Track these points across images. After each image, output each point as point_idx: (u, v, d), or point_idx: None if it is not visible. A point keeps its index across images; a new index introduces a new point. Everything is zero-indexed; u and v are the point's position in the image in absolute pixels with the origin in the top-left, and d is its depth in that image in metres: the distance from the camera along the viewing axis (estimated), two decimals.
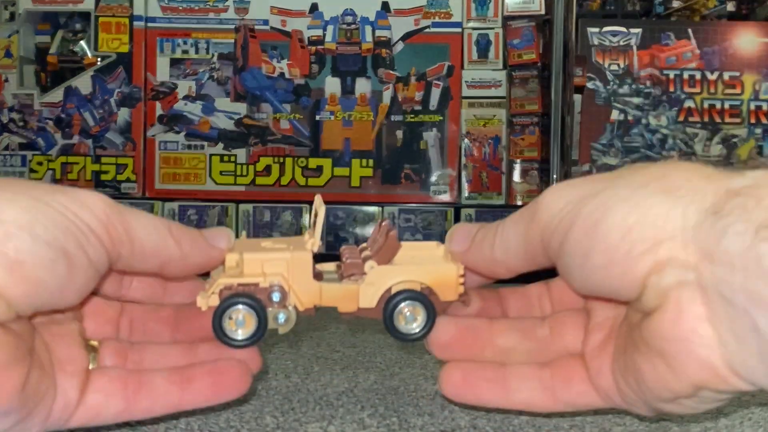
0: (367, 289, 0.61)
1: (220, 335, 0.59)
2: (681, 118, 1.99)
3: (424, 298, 0.62)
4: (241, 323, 0.59)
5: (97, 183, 2.04)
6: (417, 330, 0.62)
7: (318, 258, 0.63)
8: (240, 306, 0.59)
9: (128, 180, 2.05)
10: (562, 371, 0.55)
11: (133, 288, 0.62)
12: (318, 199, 0.63)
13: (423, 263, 0.64)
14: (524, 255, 0.52)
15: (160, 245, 0.53)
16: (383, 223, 0.66)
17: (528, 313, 0.61)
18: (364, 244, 0.69)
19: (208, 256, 0.57)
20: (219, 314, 0.59)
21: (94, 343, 0.56)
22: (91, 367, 0.54)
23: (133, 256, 0.51)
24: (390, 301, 0.62)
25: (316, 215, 0.63)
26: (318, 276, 0.63)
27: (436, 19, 2.06)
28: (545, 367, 0.55)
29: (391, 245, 0.63)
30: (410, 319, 0.62)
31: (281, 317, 0.60)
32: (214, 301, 0.59)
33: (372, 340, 1.01)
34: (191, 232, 0.55)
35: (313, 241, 0.62)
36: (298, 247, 0.62)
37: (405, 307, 0.62)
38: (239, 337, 0.60)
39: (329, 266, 0.67)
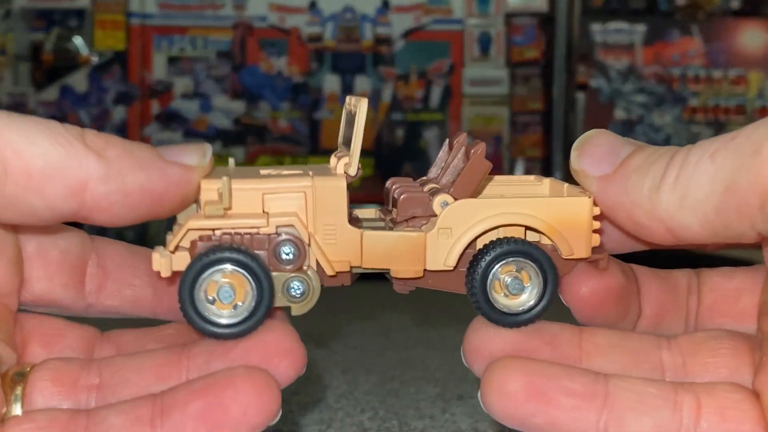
0: (439, 238, 0.41)
1: (194, 318, 0.39)
2: (685, 117, 1.98)
3: (538, 252, 0.42)
4: (227, 296, 0.40)
5: None
6: (527, 306, 0.42)
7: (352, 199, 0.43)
8: (226, 267, 0.39)
9: None
10: (715, 402, 0.37)
11: (106, 292, 0.47)
12: (355, 98, 0.44)
13: (530, 197, 0.44)
14: (715, 215, 0.34)
15: (58, 158, 0.36)
16: (459, 139, 0.45)
17: (674, 311, 0.44)
18: (424, 178, 0.48)
19: (163, 178, 0.39)
20: (190, 282, 0.39)
21: (25, 369, 0.41)
22: (10, 411, 0.40)
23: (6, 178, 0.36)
24: (480, 259, 0.42)
25: (351, 120, 0.44)
26: (355, 222, 0.43)
27: (437, 16, 2.05)
28: (680, 391, 0.38)
29: (477, 167, 0.43)
30: (515, 288, 0.42)
31: (297, 287, 0.41)
32: (182, 260, 0.40)
33: (372, 341, 1.00)
34: (128, 144, 0.39)
35: (347, 162, 0.42)
36: (321, 173, 0.42)
37: (506, 268, 0.42)
38: (224, 320, 0.40)
39: (368, 212, 0.47)
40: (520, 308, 0.42)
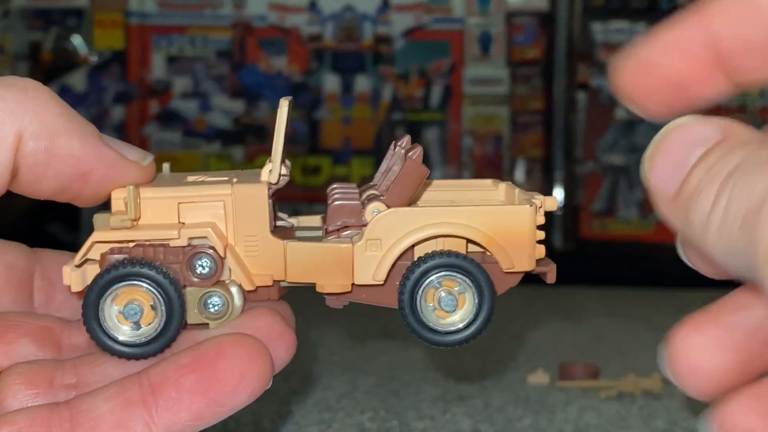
0: (368, 251, 0.39)
1: (97, 334, 0.38)
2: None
3: (471, 265, 0.39)
4: (134, 314, 0.38)
5: None
6: (459, 325, 0.39)
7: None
8: (132, 283, 0.38)
9: None
10: None
11: (56, 304, 0.46)
12: (281, 102, 0.43)
13: (469, 204, 0.41)
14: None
15: None
16: (402, 141, 0.42)
17: None
18: (370, 183, 0.45)
19: (96, 154, 0.38)
20: (94, 297, 0.38)
21: None
22: None
23: None
24: (411, 273, 0.39)
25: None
26: (282, 232, 0.41)
27: (437, 15, 2.04)
28: None
29: (412, 173, 0.40)
30: (448, 304, 0.39)
31: (215, 303, 0.39)
32: (93, 274, 0.39)
33: (372, 342, 1.00)
34: (72, 112, 0.39)
35: (270, 167, 0.40)
36: (245, 179, 0.40)
37: (437, 283, 0.39)
38: (129, 338, 0.38)
39: (311, 220, 0.45)
40: (451, 328, 0.40)
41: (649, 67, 0.29)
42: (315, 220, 0.45)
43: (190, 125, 2.05)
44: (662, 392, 0.82)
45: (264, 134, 2.06)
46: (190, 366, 0.37)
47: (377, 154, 2.05)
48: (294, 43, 2.06)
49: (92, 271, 0.39)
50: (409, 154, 0.41)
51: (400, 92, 2.05)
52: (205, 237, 0.38)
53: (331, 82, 2.05)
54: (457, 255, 0.39)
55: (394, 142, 0.44)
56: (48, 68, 2.07)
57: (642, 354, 0.99)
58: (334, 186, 0.44)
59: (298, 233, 0.44)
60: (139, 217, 0.39)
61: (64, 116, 0.39)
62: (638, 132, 1.98)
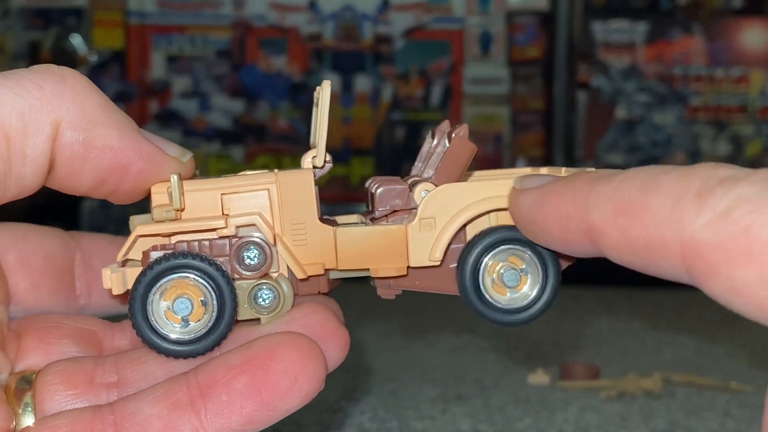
0: (422, 230, 0.37)
1: (146, 334, 0.36)
2: (687, 116, 1.98)
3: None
4: (184, 309, 0.36)
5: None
6: (527, 300, 0.38)
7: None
8: (180, 277, 0.36)
9: None
10: None
11: (98, 291, 0.44)
12: (323, 84, 0.41)
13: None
14: None
15: (28, 105, 0.35)
16: (441, 126, 0.41)
17: None
18: (409, 175, 0.44)
19: (134, 148, 0.37)
20: (141, 295, 0.36)
21: (29, 375, 0.38)
22: (21, 424, 0.37)
23: None
24: (470, 251, 0.37)
25: (316, 105, 0.40)
26: (330, 222, 0.40)
27: (438, 15, 2.04)
28: None
29: (460, 150, 0.39)
30: (511, 280, 0.38)
31: (265, 296, 0.37)
32: (133, 276, 0.37)
33: (372, 341, 1.00)
34: (111, 103, 0.37)
35: (315, 153, 0.40)
36: (287, 171, 0.39)
37: (500, 259, 0.38)
38: (178, 336, 0.37)
39: (349, 218, 0.44)
40: (521, 303, 0.38)
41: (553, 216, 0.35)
42: (352, 219, 0.44)
43: (190, 125, 2.05)
44: (662, 392, 0.82)
45: (264, 134, 2.05)
46: (241, 367, 0.35)
47: (377, 153, 2.04)
48: (294, 43, 2.06)
49: (133, 273, 0.37)
50: (454, 132, 0.39)
51: (400, 92, 2.05)
52: (254, 225, 0.37)
53: (331, 82, 2.05)
54: (517, 228, 0.37)
55: (431, 130, 0.43)
56: None
57: (642, 354, 0.98)
58: (374, 178, 0.43)
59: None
60: (184, 208, 0.37)
61: (102, 107, 0.37)
62: (638, 132, 1.98)
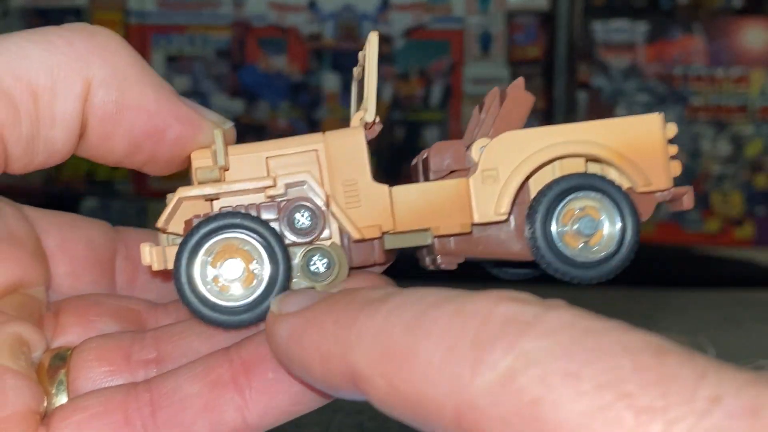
0: (485, 183, 0.35)
1: (195, 305, 0.33)
2: (687, 116, 1.97)
3: (607, 184, 0.34)
4: (234, 273, 0.33)
5: (90, 182, 2.01)
6: (605, 252, 0.35)
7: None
8: (229, 237, 0.33)
9: (122, 179, 2.01)
10: None
11: (139, 286, 0.41)
12: (370, 36, 0.37)
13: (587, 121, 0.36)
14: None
15: (57, 62, 0.32)
16: (490, 93, 0.39)
17: None
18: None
19: (170, 110, 0.34)
20: (185, 261, 0.33)
21: (64, 352, 0.36)
22: (54, 403, 0.34)
23: None
24: (539, 202, 0.35)
25: (362, 69, 0.37)
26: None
27: (437, 15, 2.04)
28: None
29: (518, 101, 0.37)
30: (587, 227, 0.35)
31: (318, 261, 0.34)
32: (174, 253, 0.34)
33: None
34: (145, 63, 0.35)
35: (363, 111, 0.37)
36: (335, 130, 0.36)
37: (575, 207, 0.35)
38: (227, 303, 0.33)
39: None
40: (602, 254, 0.35)
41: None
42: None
43: None
44: None
45: (264, 134, 2.05)
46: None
47: (377, 153, 2.04)
48: (293, 43, 2.05)
49: (174, 250, 0.34)
50: (510, 86, 0.37)
51: (400, 92, 2.05)
52: (304, 182, 0.34)
53: (330, 82, 2.05)
54: (590, 174, 0.35)
55: (478, 105, 0.41)
56: None
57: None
58: (419, 155, 0.40)
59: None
60: (228, 167, 0.35)
61: (136, 65, 0.34)
62: None
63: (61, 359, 0.35)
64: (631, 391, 0.22)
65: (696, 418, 0.21)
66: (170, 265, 0.34)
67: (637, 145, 0.34)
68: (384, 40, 2.05)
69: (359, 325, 0.27)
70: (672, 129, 0.36)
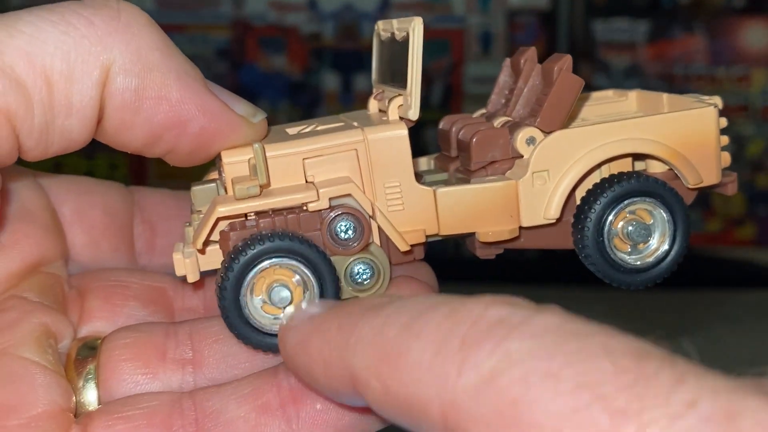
0: (535, 185, 0.33)
1: (242, 331, 0.32)
2: None
3: (664, 189, 0.33)
4: (282, 299, 0.32)
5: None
6: (653, 258, 0.33)
7: None
8: (275, 262, 0.31)
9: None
10: None
11: (158, 250, 0.39)
12: (398, 21, 0.35)
13: (637, 117, 0.35)
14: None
15: (73, 44, 0.30)
16: (527, 55, 0.36)
17: None
18: (484, 110, 0.39)
19: (196, 101, 0.32)
20: (233, 287, 0.31)
21: (94, 342, 0.34)
22: (83, 397, 0.33)
23: None
24: (591, 205, 0.33)
25: (396, 50, 0.35)
26: (419, 178, 0.35)
27: (438, 14, 2.04)
28: None
29: (568, 87, 0.34)
30: (638, 235, 0.33)
31: (362, 271, 0.33)
32: (213, 258, 0.33)
33: None
34: (173, 46, 0.32)
35: (404, 103, 0.34)
36: (368, 123, 0.34)
37: (625, 213, 0.33)
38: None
39: (420, 163, 0.40)
40: (651, 259, 0.34)
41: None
42: (423, 164, 0.39)
43: None
44: None
45: None
46: None
47: None
48: (293, 42, 2.05)
49: (208, 254, 0.32)
50: (557, 66, 0.34)
51: None
52: (349, 194, 0.32)
53: (330, 81, 2.04)
54: (647, 178, 0.33)
55: (508, 59, 0.39)
56: None
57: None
58: (450, 117, 0.38)
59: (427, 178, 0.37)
60: (270, 184, 0.32)
61: (162, 50, 0.32)
62: None
63: (89, 349, 0.34)
64: (608, 392, 0.22)
65: (669, 421, 0.21)
66: (204, 269, 0.33)
67: (692, 141, 0.33)
68: None
69: (358, 330, 0.27)
70: (723, 121, 0.35)
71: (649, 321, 1.18)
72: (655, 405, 0.21)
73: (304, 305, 0.31)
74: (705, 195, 0.38)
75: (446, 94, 2.04)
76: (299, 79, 2.05)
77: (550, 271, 1.29)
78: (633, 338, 0.24)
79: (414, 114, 0.35)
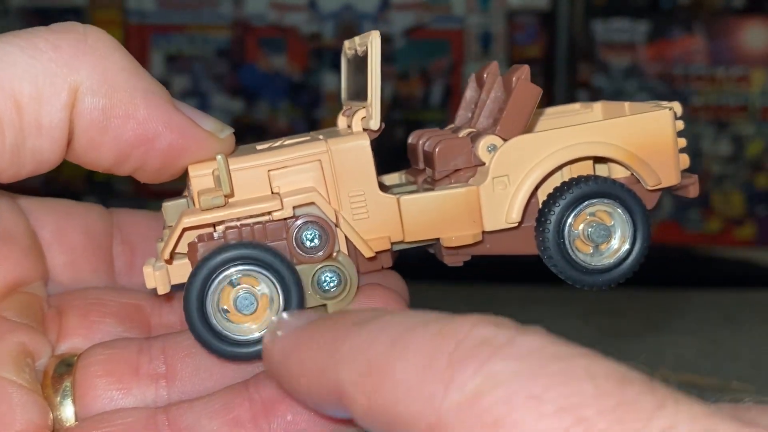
0: (495, 190, 0.34)
1: (208, 339, 0.32)
2: (688, 116, 1.97)
3: (622, 190, 0.34)
4: (248, 305, 0.33)
5: (90, 182, 2.01)
6: (615, 258, 0.34)
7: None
8: (240, 269, 0.32)
9: (121, 179, 2.02)
10: None
11: (137, 270, 0.39)
12: (359, 38, 0.37)
13: (595, 121, 0.35)
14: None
15: (42, 68, 0.31)
16: (489, 69, 0.38)
17: None
18: (452, 125, 0.40)
19: (162, 119, 0.33)
20: (197, 295, 0.32)
21: (70, 359, 0.35)
22: (61, 414, 0.34)
23: None
24: (551, 208, 0.34)
25: (359, 65, 0.36)
26: (384, 188, 0.36)
27: (438, 14, 2.04)
28: None
29: (526, 95, 0.35)
30: (599, 236, 0.34)
31: (329, 279, 0.34)
32: (183, 270, 0.33)
33: None
34: (138, 68, 0.33)
35: (366, 114, 0.36)
36: (333, 135, 0.35)
37: (585, 215, 0.34)
38: (251, 335, 0.33)
39: (391, 178, 0.41)
40: (613, 260, 0.34)
41: None
42: (393, 179, 0.41)
43: None
44: None
45: (263, 133, 2.05)
46: None
47: (377, 153, 2.03)
48: (293, 42, 2.05)
49: (179, 269, 0.33)
50: (515, 76, 0.35)
51: (400, 91, 2.04)
52: (312, 203, 0.33)
53: (330, 81, 2.04)
54: (605, 180, 0.34)
55: (473, 74, 0.40)
56: None
57: (642, 354, 0.98)
58: (418, 132, 0.39)
59: (395, 190, 0.38)
60: (234, 194, 0.33)
61: (128, 70, 0.33)
62: None
63: (66, 366, 0.35)
64: (589, 416, 0.22)
65: None
66: (175, 282, 0.34)
67: (648, 144, 0.34)
68: (384, 40, 2.04)
69: (346, 344, 0.27)
70: (680, 124, 0.36)
71: (648, 320, 1.18)
72: (635, 429, 0.22)
73: (285, 315, 0.31)
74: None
75: (446, 94, 2.04)
76: (299, 79, 2.05)
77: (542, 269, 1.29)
78: (615, 362, 0.24)
79: (375, 124, 0.35)
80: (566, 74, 1.96)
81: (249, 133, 2.05)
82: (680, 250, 1.89)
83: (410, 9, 2.04)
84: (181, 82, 2.05)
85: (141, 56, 2.05)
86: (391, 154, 1.88)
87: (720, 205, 1.95)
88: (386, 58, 2.04)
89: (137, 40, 2.05)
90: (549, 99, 1.98)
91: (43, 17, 2.07)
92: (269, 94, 2.05)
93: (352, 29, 2.04)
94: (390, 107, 2.04)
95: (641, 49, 1.98)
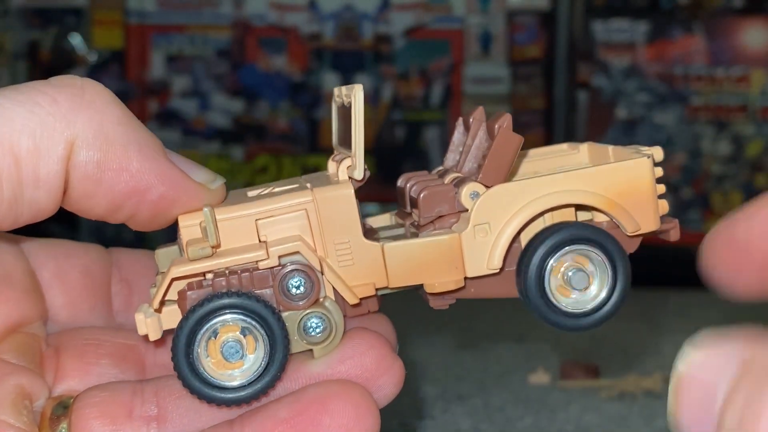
0: (477, 237, 0.35)
1: (196, 386, 0.34)
2: (688, 116, 1.97)
3: (602, 235, 0.35)
4: (234, 353, 0.34)
5: None
6: (598, 301, 0.35)
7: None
8: (227, 318, 0.34)
9: None
10: None
11: (135, 308, 0.40)
12: (346, 88, 0.37)
13: (574, 169, 0.36)
14: None
15: (39, 122, 0.32)
16: (475, 114, 0.39)
17: None
18: (441, 168, 0.41)
19: (156, 172, 0.34)
20: (185, 343, 0.34)
21: (67, 401, 0.37)
22: None
23: None
24: (531, 254, 0.35)
25: (346, 114, 0.37)
26: (370, 234, 0.38)
27: (438, 14, 2.04)
28: None
29: (507, 144, 0.36)
30: (578, 282, 0.35)
31: (315, 325, 0.35)
32: (173, 316, 0.35)
33: None
34: (132, 119, 0.34)
35: (351, 164, 0.37)
36: (321, 183, 0.36)
37: (565, 260, 0.35)
38: (236, 383, 0.34)
39: (381, 219, 0.42)
40: (590, 306, 0.35)
41: (743, 246, 0.29)
42: (384, 220, 0.42)
43: (190, 124, 2.05)
44: (662, 392, 0.81)
45: (263, 134, 2.05)
46: (290, 421, 0.33)
47: (377, 153, 2.04)
48: (294, 42, 2.05)
49: (169, 315, 0.35)
50: (497, 124, 0.36)
51: (401, 91, 2.04)
52: (297, 252, 0.34)
53: (330, 81, 2.04)
54: (585, 226, 0.35)
55: (461, 117, 0.41)
56: (47, 67, 2.06)
57: (642, 354, 0.98)
58: (407, 175, 0.40)
59: (382, 234, 0.39)
60: (220, 245, 0.34)
61: (123, 124, 0.34)
62: (639, 132, 1.97)
63: (63, 408, 0.36)
64: None
65: None
66: (167, 327, 0.35)
67: (627, 191, 0.35)
68: (384, 40, 2.05)
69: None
70: (659, 171, 0.36)
71: (648, 320, 1.18)
72: None
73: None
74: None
75: (446, 94, 2.05)
76: (299, 80, 2.05)
77: None
78: None
79: (359, 174, 0.36)
80: (566, 74, 1.96)
81: (249, 133, 2.05)
82: (680, 250, 1.89)
83: (410, 9, 2.04)
84: (181, 82, 2.05)
85: (141, 56, 2.05)
86: (391, 153, 1.91)
87: (720, 205, 1.95)
88: (386, 58, 2.05)
89: (137, 40, 2.05)
90: (549, 99, 1.99)
91: (43, 17, 2.07)
92: (269, 94, 2.05)
93: (352, 29, 2.05)
94: (390, 107, 2.04)
95: (641, 49, 1.98)
